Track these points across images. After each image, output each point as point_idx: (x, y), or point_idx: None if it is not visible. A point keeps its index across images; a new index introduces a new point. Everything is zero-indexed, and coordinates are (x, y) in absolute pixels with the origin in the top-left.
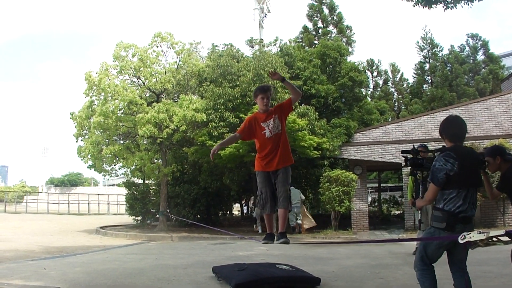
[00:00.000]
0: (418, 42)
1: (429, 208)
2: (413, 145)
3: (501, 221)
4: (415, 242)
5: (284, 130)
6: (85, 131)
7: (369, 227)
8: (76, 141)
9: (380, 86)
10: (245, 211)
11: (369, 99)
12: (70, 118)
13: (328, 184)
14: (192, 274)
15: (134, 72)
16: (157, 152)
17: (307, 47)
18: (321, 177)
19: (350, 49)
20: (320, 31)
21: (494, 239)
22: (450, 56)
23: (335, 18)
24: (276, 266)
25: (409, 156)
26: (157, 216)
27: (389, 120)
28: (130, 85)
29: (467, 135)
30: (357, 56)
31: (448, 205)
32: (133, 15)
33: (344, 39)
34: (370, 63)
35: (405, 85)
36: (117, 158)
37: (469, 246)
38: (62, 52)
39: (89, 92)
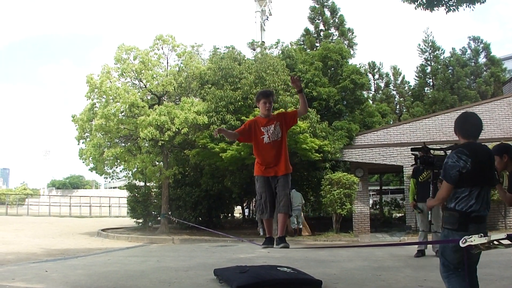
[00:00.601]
0: (419, 44)
1: (435, 210)
2: (424, 143)
3: (503, 224)
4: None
5: (285, 139)
6: (86, 134)
7: (370, 230)
8: (78, 144)
9: (382, 88)
10: (246, 213)
11: (371, 102)
12: (72, 120)
13: (329, 186)
14: (194, 276)
15: (136, 75)
16: (159, 154)
17: (308, 50)
18: (323, 179)
19: (351, 52)
20: (321, 33)
21: (496, 242)
22: (451, 59)
23: (336, 20)
24: (278, 268)
25: (419, 154)
26: (159, 218)
27: (391, 122)
28: (132, 87)
29: None
30: (359, 58)
31: (460, 204)
32: (135, 18)
33: (345, 42)
34: (372, 65)
35: (406, 87)
36: (119, 161)
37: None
38: (64, 55)
39: (91, 94)
